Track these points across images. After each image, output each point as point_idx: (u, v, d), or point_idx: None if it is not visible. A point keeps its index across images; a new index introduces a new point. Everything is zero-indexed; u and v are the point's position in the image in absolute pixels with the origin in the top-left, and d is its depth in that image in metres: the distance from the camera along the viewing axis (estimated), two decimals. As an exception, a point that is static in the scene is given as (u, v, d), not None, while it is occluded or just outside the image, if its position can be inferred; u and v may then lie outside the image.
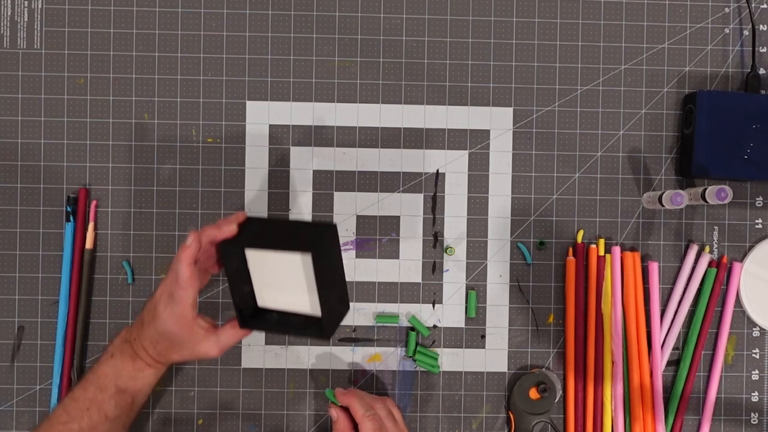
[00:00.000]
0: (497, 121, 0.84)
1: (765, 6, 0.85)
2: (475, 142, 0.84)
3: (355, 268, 0.84)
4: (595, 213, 0.85)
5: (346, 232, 0.84)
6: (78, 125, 0.83)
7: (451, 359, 0.84)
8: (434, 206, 0.84)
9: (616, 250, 0.83)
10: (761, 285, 0.85)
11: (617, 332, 0.83)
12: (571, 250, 0.84)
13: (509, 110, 0.85)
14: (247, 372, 0.83)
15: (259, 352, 0.83)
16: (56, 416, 0.71)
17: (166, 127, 0.83)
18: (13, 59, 0.83)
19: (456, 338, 0.84)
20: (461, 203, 0.84)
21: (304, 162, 0.84)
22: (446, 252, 0.84)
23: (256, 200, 0.83)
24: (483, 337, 0.84)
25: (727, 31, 0.85)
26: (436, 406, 0.84)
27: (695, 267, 0.84)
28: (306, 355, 0.83)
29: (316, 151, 0.84)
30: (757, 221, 0.85)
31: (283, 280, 0.70)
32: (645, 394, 0.83)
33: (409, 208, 0.84)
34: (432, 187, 0.84)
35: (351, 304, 0.83)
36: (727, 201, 0.76)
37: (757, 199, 0.85)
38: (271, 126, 0.84)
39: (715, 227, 0.85)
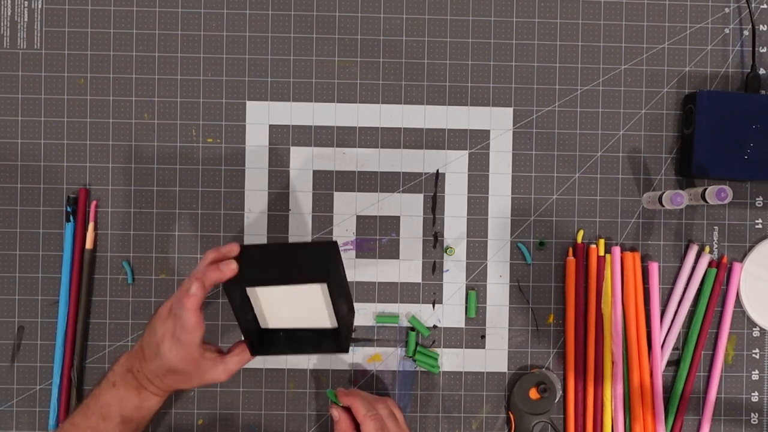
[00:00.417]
0: (497, 121, 0.84)
1: (765, 6, 0.85)
2: (475, 142, 0.84)
3: (355, 268, 0.84)
4: (595, 213, 0.85)
5: (346, 232, 0.84)
6: (78, 125, 0.83)
7: (451, 359, 0.84)
8: (434, 206, 0.84)
9: (616, 250, 0.83)
10: (761, 285, 0.85)
11: (617, 332, 0.83)
12: (571, 250, 0.84)
13: (509, 110, 0.85)
14: (247, 372, 0.83)
15: (259, 352, 0.83)
16: None
17: (166, 127, 0.83)
18: (13, 59, 0.83)
19: (456, 338, 0.84)
20: (461, 203, 0.84)
21: (304, 162, 0.84)
22: (446, 252, 0.84)
23: (256, 201, 0.83)
24: (483, 337, 0.84)
25: (727, 31, 0.85)
26: (436, 406, 0.84)
27: (695, 267, 0.84)
28: (306, 356, 0.83)
29: (316, 151, 0.84)
30: (757, 221, 0.85)
31: (288, 300, 0.71)
32: (645, 394, 0.83)
33: (409, 208, 0.84)
34: (432, 187, 0.84)
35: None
36: (727, 201, 0.76)
37: (757, 199, 0.85)
38: (271, 126, 0.84)
39: (715, 227, 0.85)
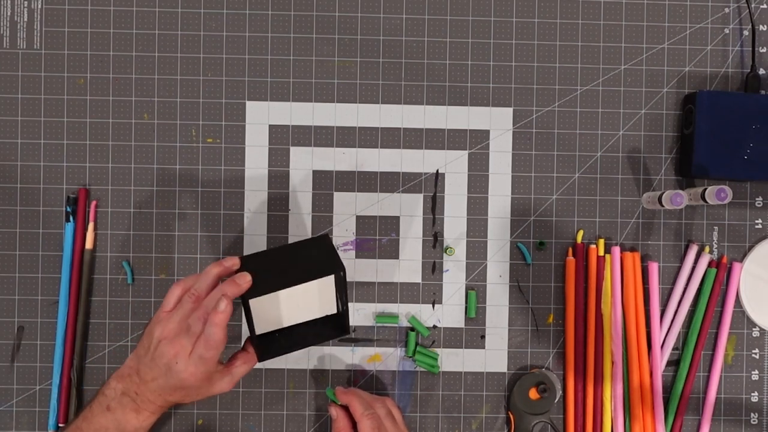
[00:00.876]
0: (497, 122, 0.84)
1: (765, 6, 0.85)
2: (475, 142, 0.84)
3: (355, 268, 0.84)
4: (594, 213, 0.85)
5: (346, 232, 0.84)
6: (78, 125, 0.83)
7: (450, 359, 0.84)
8: (434, 206, 0.84)
9: (616, 250, 0.83)
10: (761, 285, 0.85)
11: (617, 332, 0.83)
12: (570, 250, 0.84)
13: (509, 110, 0.85)
14: (247, 372, 0.83)
15: (259, 352, 0.83)
16: None
17: (166, 127, 0.83)
18: (13, 59, 0.83)
19: (456, 338, 0.84)
20: (461, 203, 0.84)
21: (304, 162, 0.84)
22: (446, 252, 0.84)
23: (256, 201, 0.83)
24: (483, 337, 0.84)
25: (726, 31, 0.85)
26: (435, 406, 0.84)
27: (695, 267, 0.84)
28: (306, 356, 0.83)
29: (316, 151, 0.84)
30: (756, 221, 0.85)
31: (282, 300, 0.73)
32: (645, 394, 0.83)
33: (409, 208, 0.84)
34: (432, 187, 0.84)
35: (351, 304, 0.83)
36: (726, 201, 0.76)
37: (756, 199, 0.85)
38: (270, 126, 0.84)
39: (715, 227, 0.85)
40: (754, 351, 0.85)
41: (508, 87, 0.84)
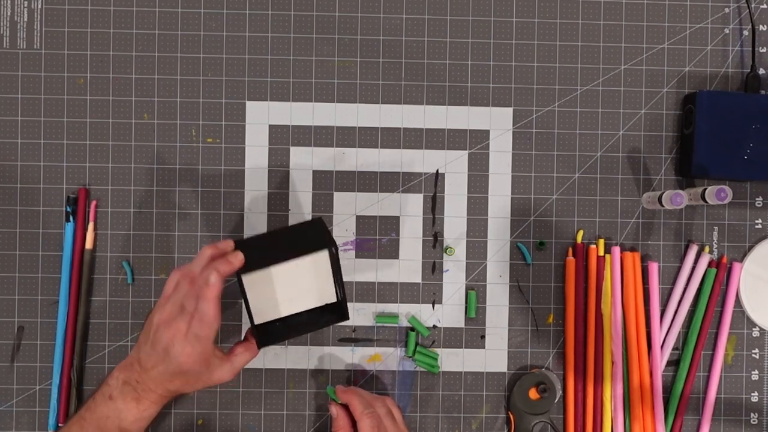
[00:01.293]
0: (497, 121, 0.84)
1: (765, 6, 0.85)
2: (475, 142, 0.84)
3: (355, 268, 0.84)
4: (594, 213, 0.85)
5: (346, 232, 0.84)
6: (78, 125, 0.83)
7: (450, 359, 0.84)
8: (434, 206, 0.84)
9: (616, 250, 0.83)
10: (761, 285, 0.85)
11: (617, 332, 0.83)
12: (570, 250, 0.84)
13: (509, 110, 0.85)
14: (247, 372, 0.83)
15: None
16: None
17: (166, 127, 0.83)
18: (13, 59, 0.83)
19: (456, 338, 0.84)
20: (461, 203, 0.84)
21: (304, 162, 0.84)
22: (446, 252, 0.84)
23: (256, 200, 0.83)
24: (483, 337, 0.84)
25: (726, 31, 0.85)
26: (435, 406, 0.84)
27: (695, 267, 0.84)
28: (306, 356, 0.83)
29: (316, 151, 0.84)
30: (756, 221, 0.85)
31: (281, 288, 0.73)
32: (645, 394, 0.83)
33: (409, 208, 0.84)
34: (432, 187, 0.84)
35: (351, 304, 0.83)
36: (726, 201, 0.76)
37: (756, 199, 0.85)
38: (270, 126, 0.84)
39: (715, 227, 0.85)
40: (754, 351, 0.85)
41: (508, 87, 0.84)
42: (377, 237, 0.84)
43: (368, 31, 0.84)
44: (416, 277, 0.84)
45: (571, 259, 0.84)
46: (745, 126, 0.80)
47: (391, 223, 0.84)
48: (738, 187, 0.85)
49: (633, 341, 0.83)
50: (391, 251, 0.84)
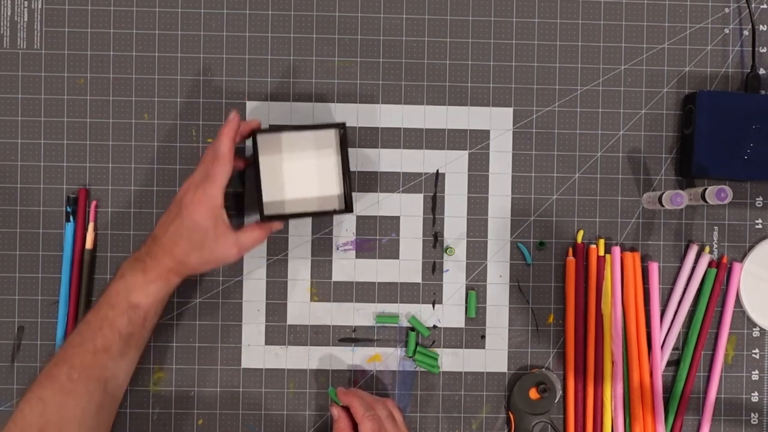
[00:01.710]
0: (497, 122, 0.84)
1: (765, 6, 0.85)
2: (475, 142, 0.84)
3: (355, 268, 0.84)
4: (595, 213, 0.85)
5: (346, 232, 0.84)
6: (78, 125, 0.83)
7: (451, 359, 0.84)
8: (434, 206, 0.84)
9: (616, 250, 0.83)
10: (761, 285, 0.85)
11: (617, 332, 0.83)
12: (571, 250, 0.84)
13: (509, 110, 0.85)
14: (247, 372, 0.83)
15: (259, 352, 0.83)
16: (69, 341, 0.72)
17: (166, 127, 0.83)
18: (13, 59, 0.83)
19: (456, 338, 0.84)
20: (461, 203, 0.84)
21: (304, 162, 0.83)
22: (446, 252, 0.84)
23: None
24: (483, 337, 0.84)
25: (727, 31, 0.85)
26: (436, 406, 0.84)
27: (695, 267, 0.84)
28: (306, 356, 0.83)
29: (316, 151, 0.84)
30: (757, 221, 0.85)
31: (292, 182, 0.78)
32: (645, 394, 0.83)
33: (409, 208, 0.84)
34: (432, 187, 0.84)
35: (351, 304, 0.83)
36: (727, 201, 0.76)
37: (757, 199, 0.85)
38: (271, 126, 0.84)
39: (715, 227, 0.85)
40: (754, 351, 0.85)
41: (508, 87, 0.84)
42: (377, 237, 0.84)
43: (368, 31, 0.84)
44: (416, 277, 0.84)
45: (571, 259, 0.84)
46: (745, 126, 0.80)
47: (391, 223, 0.84)
48: (738, 187, 0.85)
49: (633, 341, 0.83)
50: (391, 251, 0.84)
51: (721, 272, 0.84)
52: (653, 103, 0.85)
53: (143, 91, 0.83)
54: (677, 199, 0.78)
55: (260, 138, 0.77)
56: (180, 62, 0.83)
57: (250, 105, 0.83)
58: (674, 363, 0.85)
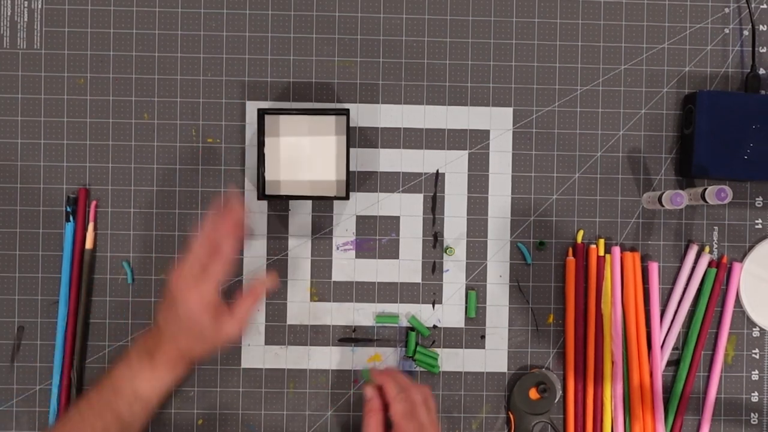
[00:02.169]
0: (497, 121, 0.84)
1: (765, 6, 0.85)
2: (475, 142, 0.84)
3: (355, 268, 0.84)
4: (595, 213, 0.85)
5: (346, 232, 0.84)
6: (78, 125, 0.83)
7: (450, 359, 0.84)
8: (434, 206, 0.84)
9: (616, 250, 0.83)
10: (761, 285, 0.85)
11: (617, 332, 0.83)
12: (570, 250, 0.84)
13: (509, 110, 0.85)
14: (247, 372, 0.83)
15: (259, 352, 0.83)
16: (69, 417, 0.72)
17: (166, 127, 0.83)
18: (13, 59, 0.83)
19: (456, 338, 0.84)
20: (461, 203, 0.84)
21: (304, 162, 0.84)
22: (446, 252, 0.84)
23: (255, 200, 0.83)
24: (483, 337, 0.84)
25: (726, 31, 0.85)
26: (435, 405, 0.84)
27: (695, 267, 0.84)
28: (306, 356, 0.83)
29: (316, 151, 0.84)
30: (757, 221, 0.85)
31: (293, 165, 0.80)
32: (645, 394, 0.83)
33: (409, 208, 0.84)
34: (432, 187, 0.84)
35: (351, 304, 0.83)
36: (727, 201, 0.76)
37: (757, 199, 0.85)
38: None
39: (715, 227, 0.85)
40: (754, 351, 0.85)
41: (508, 87, 0.84)
42: (377, 237, 0.84)
43: (368, 31, 0.84)
44: (416, 277, 0.84)
45: (571, 259, 0.84)
46: (745, 126, 0.80)
47: (391, 223, 0.84)
48: (738, 187, 0.85)
49: (633, 341, 0.83)
50: (391, 251, 0.84)
51: (721, 272, 0.84)
52: (653, 103, 0.85)
53: (143, 91, 0.83)
54: (677, 199, 0.78)
55: (267, 119, 0.79)
56: (180, 62, 0.83)
57: (250, 105, 0.83)
58: (674, 363, 0.85)
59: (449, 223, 0.84)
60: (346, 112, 0.79)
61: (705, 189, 0.78)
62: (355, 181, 0.84)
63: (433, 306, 0.84)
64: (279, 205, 0.83)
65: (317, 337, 0.84)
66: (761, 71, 0.85)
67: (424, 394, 0.75)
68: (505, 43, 0.84)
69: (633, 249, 0.85)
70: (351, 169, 0.82)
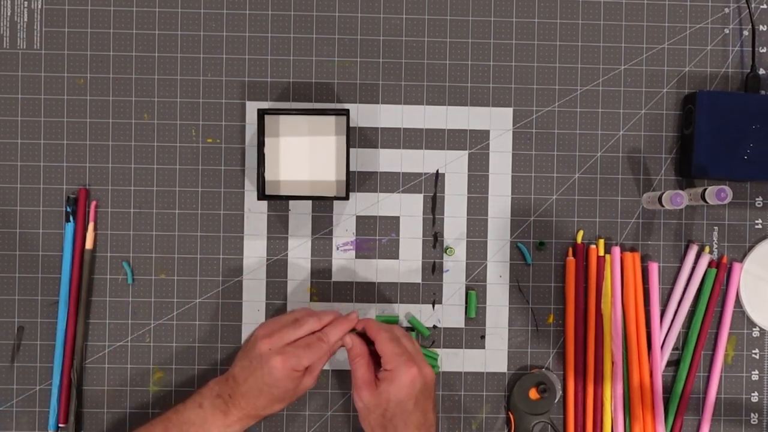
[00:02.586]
0: (497, 122, 0.84)
1: (765, 6, 0.85)
2: (475, 142, 0.84)
3: (355, 268, 0.84)
4: (595, 213, 0.85)
5: (346, 232, 0.84)
6: (78, 125, 0.83)
7: (450, 359, 0.84)
8: (434, 206, 0.84)
9: (616, 250, 0.83)
10: (761, 285, 0.85)
11: (617, 332, 0.83)
12: (570, 250, 0.84)
13: (509, 110, 0.85)
14: (247, 372, 0.83)
15: (259, 352, 0.83)
16: None
17: (166, 127, 0.83)
18: (13, 59, 0.83)
19: (456, 338, 0.84)
20: (461, 203, 0.84)
21: (304, 162, 0.84)
22: (446, 252, 0.84)
23: (255, 201, 0.83)
24: (483, 337, 0.84)
25: (726, 31, 0.85)
26: (435, 406, 0.84)
27: (695, 267, 0.84)
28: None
29: (316, 151, 0.84)
30: (756, 221, 0.85)
31: (293, 165, 0.80)
32: (645, 395, 0.83)
33: (409, 208, 0.84)
34: (432, 187, 0.84)
35: (351, 304, 0.83)
36: (726, 201, 0.76)
37: (756, 199, 0.85)
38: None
39: (715, 227, 0.85)
40: (754, 351, 0.85)
41: (508, 87, 0.84)
42: (377, 237, 0.84)
43: (368, 31, 0.84)
44: (416, 277, 0.84)
45: (571, 259, 0.84)
46: (745, 126, 0.80)
47: (391, 223, 0.84)
48: (738, 187, 0.85)
49: (633, 341, 0.83)
50: (391, 251, 0.84)
51: (721, 272, 0.84)
52: (653, 103, 0.85)
53: (143, 91, 0.83)
54: (677, 199, 0.78)
55: (267, 119, 0.80)
56: (180, 62, 0.83)
57: (250, 105, 0.83)
58: (674, 363, 0.85)
59: (449, 223, 0.84)
60: (346, 113, 0.79)
61: (705, 189, 0.78)
62: (355, 181, 0.84)
63: (433, 306, 0.84)
64: (279, 205, 0.83)
65: (317, 337, 0.83)
66: (761, 71, 0.85)
67: (402, 331, 0.77)
68: (505, 43, 0.84)
69: (633, 249, 0.85)
70: (351, 169, 0.82)
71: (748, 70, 0.85)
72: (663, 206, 0.80)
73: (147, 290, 0.83)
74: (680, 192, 0.78)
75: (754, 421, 0.85)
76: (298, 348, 0.72)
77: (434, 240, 0.84)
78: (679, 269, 0.85)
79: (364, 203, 0.84)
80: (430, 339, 0.84)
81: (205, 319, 0.83)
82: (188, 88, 0.83)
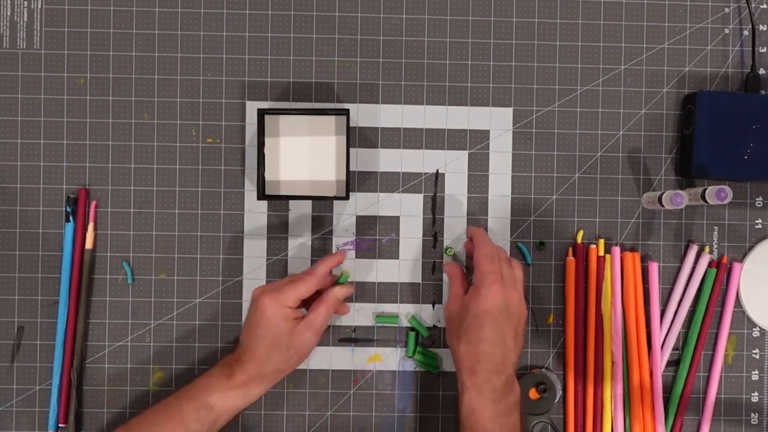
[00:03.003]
0: (497, 122, 0.84)
1: (765, 6, 0.85)
2: (475, 142, 0.84)
3: (355, 268, 0.84)
4: (595, 213, 0.85)
5: (346, 232, 0.84)
6: (78, 125, 0.83)
7: (450, 359, 0.84)
8: (434, 206, 0.84)
9: (616, 250, 0.83)
10: (761, 285, 0.85)
11: (617, 332, 0.83)
12: (570, 250, 0.84)
13: (509, 110, 0.85)
14: (246, 372, 0.83)
15: (259, 352, 0.83)
16: (145, 415, 0.75)
17: (166, 127, 0.83)
18: (13, 59, 0.83)
19: (456, 338, 0.84)
20: (461, 203, 0.84)
21: (304, 162, 0.84)
22: (446, 252, 0.84)
23: (255, 201, 0.83)
24: (483, 337, 0.84)
25: (726, 31, 0.85)
26: (436, 406, 0.84)
27: (695, 267, 0.84)
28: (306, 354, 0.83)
29: (316, 151, 0.84)
30: (756, 221, 0.85)
31: (293, 165, 0.80)
32: (645, 395, 0.83)
33: (409, 208, 0.84)
34: (432, 187, 0.84)
35: (351, 304, 0.83)
36: (727, 201, 0.76)
37: (756, 199, 0.85)
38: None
39: (715, 227, 0.85)
40: (754, 351, 0.85)
41: (508, 87, 0.84)
42: (377, 237, 0.84)
43: (368, 31, 0.84)
44: (416, 277, 0.84)
45: (571, 259, 0.84)
46: (745, 126, 0.80)
47: (391, 223, 0.84)
48: (738, 187, 0.85)
49: (633, 341, 0.83)
50: (391, 251, 0.84)
51: (721, 272, 0.84)
52: (653, 103, 0.85)
53: (143, 91, 0.83)
54: (677, 199, 0.78)
55: (267, 119, 0.80)
56: (180, 62, 0.83)
57: (250, 105, 0.83)
58: (674, 363, 0.85)
59: (449, 223, 0.84)
60: (346, 112, 0.79)
61: (705, 189, 0.78)
62: (355, 181, 0.84)
63: (433, 306, 0.84)
64: (279, 205, 0.83)
65: (317, 337, 0.83)
66: (761, 71, 0.85)
67: (506, 255, 0.78)
68: (505, 43, 0.84)
69: (633, 249, 0.85)
70: (351, 169, 0.82)
71: (748, 70, 0.85)
72: (663, 206, 0.80)
73: (147, 290, 0.83)
74: (680, 192, 0.78)
75: (754, 421, 0.85)
76: (285, 284, 0.75)
77: (434, 240, 0.84)
78: (679, 269, 0.85)
79: (364, 203, 0.84)
80: (430, 339, 0.84)
81: (205, 319, 0.83)
82: (188, 88, 0.83)
